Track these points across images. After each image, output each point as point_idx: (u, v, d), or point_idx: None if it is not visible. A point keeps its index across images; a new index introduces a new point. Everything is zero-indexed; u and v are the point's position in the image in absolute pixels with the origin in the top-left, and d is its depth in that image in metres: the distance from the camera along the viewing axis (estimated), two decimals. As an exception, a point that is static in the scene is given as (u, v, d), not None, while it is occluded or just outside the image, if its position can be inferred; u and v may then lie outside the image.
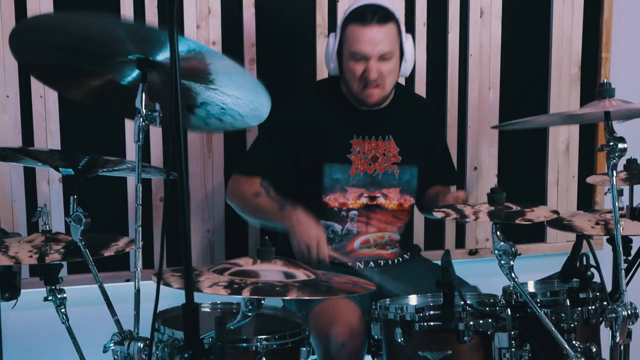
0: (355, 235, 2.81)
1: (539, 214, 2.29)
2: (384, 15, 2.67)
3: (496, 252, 2.16)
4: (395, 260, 2.86)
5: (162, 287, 1.78)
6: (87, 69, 2.04)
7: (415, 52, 3.21)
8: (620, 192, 2.23)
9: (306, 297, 1.87)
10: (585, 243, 2.40)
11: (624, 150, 2.18)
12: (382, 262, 2.83)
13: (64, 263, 2.42)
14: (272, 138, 2.79)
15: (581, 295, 2.38)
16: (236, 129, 2.25)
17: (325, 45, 2.81)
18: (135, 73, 1.99)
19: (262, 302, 1.87)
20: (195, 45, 1.89)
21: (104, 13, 1.93)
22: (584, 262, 2.35)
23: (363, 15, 2.67)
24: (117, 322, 1.99)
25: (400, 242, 2.88)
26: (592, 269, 2.37)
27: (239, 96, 2.06)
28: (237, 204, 2.80)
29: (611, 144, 2.17)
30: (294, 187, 2.81)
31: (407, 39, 2.76)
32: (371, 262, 2.82)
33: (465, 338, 2.23)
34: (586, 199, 3.51)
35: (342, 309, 2.51)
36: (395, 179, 2.83)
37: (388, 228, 2.83)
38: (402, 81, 3.17)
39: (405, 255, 2.89)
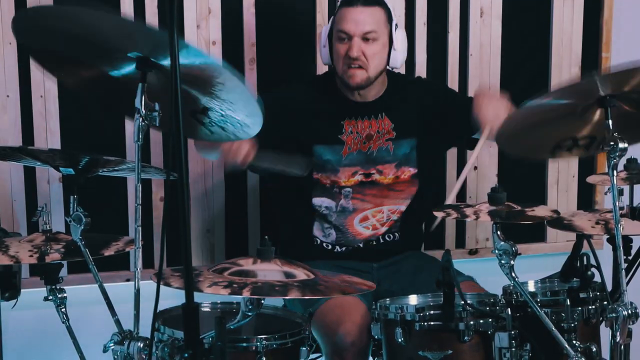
0: (352, 212, 2.81)
1: (539, 213, 2.29)
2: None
3: (496, 251, 2.17)
4: (398, 252, 2.84)
5: (162, 287, 1.78)
6: (84, 57, 2.03)
7: (415, 52, 3.23)
8: (621, 192, 2.24)
9: (306, 297, 1.87)
10: (585, 243, 2.40)
11: (625, 149, 2.18)
12: (382, 247, 2.84)
13: (64, 263, 2.42)
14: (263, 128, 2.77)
15: (581, 295, 2.37)
16: (239, 138, 2.24)
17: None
18: (130, 68, 1.98)
19: (262, 302, 1.87)
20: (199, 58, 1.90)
21: (109, 11, 1.93)
22: (584, 262, 2.35)
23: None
24: (117, 322, 1.99)
25: (405, 219, 2.86)
26: (593, 269, 2.36)
27: (231, 101, 2.06)
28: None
29: (611, 143, 2.17)
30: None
31: (398, 30, 2.78)
32: (373, 241, 2.83)
33: (466, 338, 2.23)
34: (586, 198, 3.51)
35: (349, 307, 2.51)
36: (390, 154, 2.83)
37: (385, 202, 2.84)
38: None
39: (405, 246, 2.88)
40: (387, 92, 2.86)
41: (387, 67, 2.81)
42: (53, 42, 2.02)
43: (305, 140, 2.79)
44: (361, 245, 2.83)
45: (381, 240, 2.85)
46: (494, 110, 2.62)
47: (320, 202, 2.82)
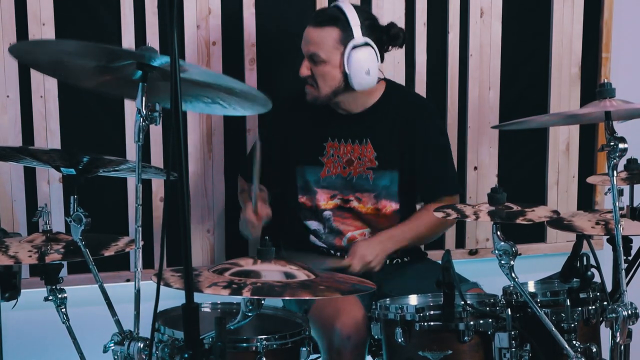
0: (339, 233, 2.82)
1: (539, 213, 2.29)
2: (324, 19, 2.70)
3: (496, 252, 2.17)
4: (394, 261, 2.85)
5: (162, 287, 1.78)
6: (94, 70, 2.05)
7: (415, 52, 3.23)
8: (621, 192, 2.24)
9: (306, 298, 1.87)
10: (585, 243, 2.40)
11: (625, 150, 2.18)
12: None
13: (64, 263, 2.42)
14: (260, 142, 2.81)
15: (581, 295, 2.37)
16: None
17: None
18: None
19: (263, 302, 1.87)
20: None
21: (94, 44, 1.95)
22: (584, 262, 2.35)
23: (311, 17, 2.77)
24: (117, 322, 1.99)
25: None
26: (592, 269, 2.36)
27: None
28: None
29: (612, 144, 2.17)
30: (276, 186, 2.86)
31: (356, 50, 2.65)
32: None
33: (466, 338, 2.23)
34: (586, 199, 3.51)
35: (345, 302, 2.52)
36: (369, 183, 2.81)
37: (368, 227, 2.83)
38: (401, 82, 3.18)
39: (405, 258, 2.87)
40: (377, 106, 2.79)
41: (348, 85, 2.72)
42: (54, 67, 2.05)
43: (291, 161, 2.82)
44: None
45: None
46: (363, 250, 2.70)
47: (310, 223, 2.84)
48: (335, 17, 2.68)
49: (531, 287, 2.51)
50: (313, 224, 2.83)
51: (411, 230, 2.80)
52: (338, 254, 2.81)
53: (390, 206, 2.83)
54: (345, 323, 2.46)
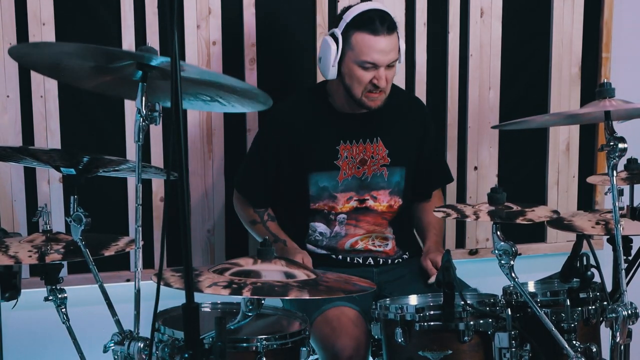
0: (344, 237, 2.82)
1: (539, 213, 2.29)
2: (391, 24, 2.67)
3: (496, 252, 2.17)
4: (396, 260, 2.85)
5: (162, 287, 1.78)
6: (94, 71, 2.06)
7: (416, 52, 3.23)
8: (621, 192, 2.24)
9: (306, 297, 1.87)
10: (585, 243, 2.40)
11: (624, 150, 2.18)
12: (381, 260, 2.83)
13: (64, 263, 2.43)
14: (261, 160, 2.84)
15: (581, 295, 2.38)
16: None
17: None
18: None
19: (263, 302, 1.88)
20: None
21: (96, 47, 1.96)
22: (584, 262, 2.35)
23: (372, 24, 2.64)
24: (117, 322, 1.99)
25: (397, 240, 2.87)
26: (592, 269, 2.37)
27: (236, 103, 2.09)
28: (241, 221, 2.96)
29: (611, 143, 2.17)
30: (281, 194, 2.85)
31: (401, 39, 2.75)
32: (370, 259, 2.82)
33: (466, 338, 2.23)
34: (586, 198, 3.51)
35: (347, 320, 2.52)
36: (384, 180, 2.83)
37: (376, 229, 2.84)
38: (401, 82, 3.18)
39: (405, 255, 2.89)
40: (383, 105, 2.78)
41: None
42: (53, 70, 2.06)
43: (303, 169, 2.78)
44: (360, 260, 2.83)
45: (380, 262, 2.84)
46: None
47: (316, 226, 2.83)
48: (393, 20, 2.69)
49: (531, 287, 2.52)
50: (320, 227, 2.82)
51: (440, 226, 2.98)
52: (340, 257, 2.81)
53: (398, 202, 2.86)
54: (347, 343, 2.46)
